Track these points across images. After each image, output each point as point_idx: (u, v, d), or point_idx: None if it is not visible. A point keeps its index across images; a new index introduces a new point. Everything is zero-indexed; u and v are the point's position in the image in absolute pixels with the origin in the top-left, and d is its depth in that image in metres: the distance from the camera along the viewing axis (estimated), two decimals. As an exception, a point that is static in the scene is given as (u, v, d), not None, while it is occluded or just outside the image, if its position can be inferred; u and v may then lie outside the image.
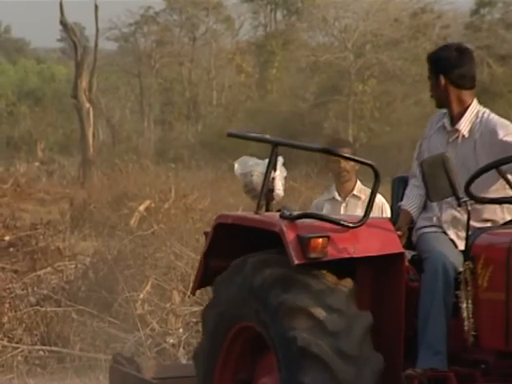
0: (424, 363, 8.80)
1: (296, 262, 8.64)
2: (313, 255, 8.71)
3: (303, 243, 8.76)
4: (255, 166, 9.94)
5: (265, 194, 9.55)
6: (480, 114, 9.18)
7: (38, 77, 71.90)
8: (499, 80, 54.48)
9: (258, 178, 9.86)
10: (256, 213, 9.38)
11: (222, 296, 9.64)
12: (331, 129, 54.66)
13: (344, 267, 9.02)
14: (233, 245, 9.57)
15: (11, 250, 21.42)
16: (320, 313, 8.74)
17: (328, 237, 8.73)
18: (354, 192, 11.09)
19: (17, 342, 15.89)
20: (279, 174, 9.83)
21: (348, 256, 8.79)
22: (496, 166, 8.58)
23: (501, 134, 9.00)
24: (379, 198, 10.96)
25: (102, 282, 18.18)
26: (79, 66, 45.12)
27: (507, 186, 8.74)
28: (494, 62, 56.93)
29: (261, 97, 61.09)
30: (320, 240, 8.71)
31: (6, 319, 16.69)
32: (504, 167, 8.61)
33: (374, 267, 9.20)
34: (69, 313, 16.52)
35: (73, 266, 19.51)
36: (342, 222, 8.85)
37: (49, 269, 20.11)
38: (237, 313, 9.42)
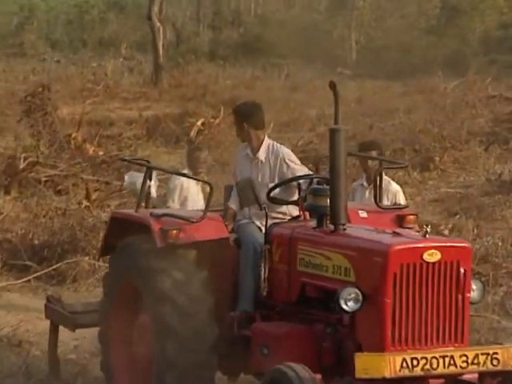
0: (240, 308, 9.65)
1: (159, 245, 9.49)
2: (170, 241, 9.51)
3: (164, 233, 9.53)
4: (138, 178, 10.81)
5: (144, 196, 10.57)
6: (271, 146, 10.20)
7: (122, -11, 70.69)
8: (463, -1, 53.47)
9: (139, 186, 10.47)
10: (136, 211, 10.16)
11: (114, 264, 10.42)
12: (339, 35, 53.76)
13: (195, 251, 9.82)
14: (124, 228, 10.10)
15: (103, 165, 21.13)
16: (178, 297, 9.47)
17: (180, 229, 9.57)
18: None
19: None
20: (153, 184, 10.95)
21: (193, 240, 9.67)
22: (286, 183, 9.93)
23: (286, 160, 10.04)
24: (395, 188, 11.37)
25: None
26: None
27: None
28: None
29: (286, 9, 60.33)
30: (174, 231, 9.54)
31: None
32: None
33: (212, 249, 9.75)
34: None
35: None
36: (188, 219, 9.73)
37: None
38: (125, 278, 10.03)
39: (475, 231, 16.48)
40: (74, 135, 21.47)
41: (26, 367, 11.37)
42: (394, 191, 11.23)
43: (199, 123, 24.42)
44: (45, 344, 11.85)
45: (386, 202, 10.79)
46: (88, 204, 17.58)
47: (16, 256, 15.85)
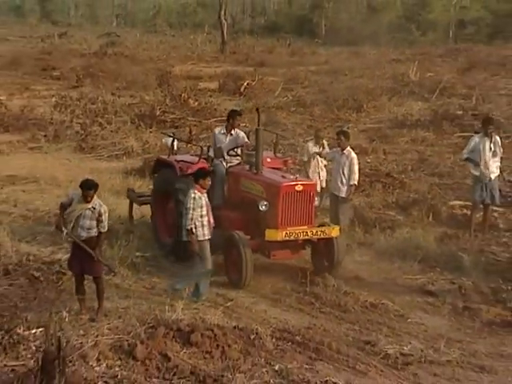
0: (214, 202, 9.09)
1: (178, 174, 9.27)
2: (184, 173, 9.19)
3: (180, 169, 9.32)
4: (169, 140, 10.29)
5: (172, 149, 10.01)
6: (236, 130, 9.74)
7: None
8: None
9: (169, 144, 10.16)
10: (168, 157, 9.87)
11: (157, 180, 10.09)
12: (315, 21, 50.67)
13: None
14: (162, 164, 9.86)
15: (198, 112, 19.11)
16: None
17: (187, 166, 9.29)
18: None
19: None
20: (176, 143, 10.16)
21: (192, 171, 9.03)
22: (237, 147, 9.57)
23: (241, 136, 9.67)
24: (353, 155, 9.92)
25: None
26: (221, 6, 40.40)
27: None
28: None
29: (288, 6, 57.96)
30: (185, 168, 9.29)
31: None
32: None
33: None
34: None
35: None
36: (191, 162, 9.42)
37: (212, 120, 18.21)
38: (163, 188, 9.69)
39: (383, 155, 14.68)
40: (183, 95, 19.69)
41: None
42: (352, 157, 9.84)
43: (245, 84, 23.48)
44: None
45: (347, 163, 9.82)
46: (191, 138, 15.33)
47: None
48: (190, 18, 60.89)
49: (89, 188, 7.17)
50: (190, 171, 9.32)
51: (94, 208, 7.23)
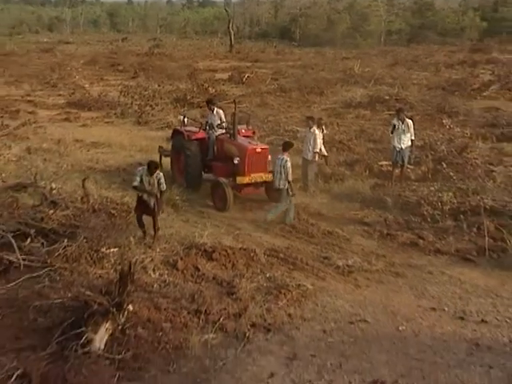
0: (209, 156, 9.08)
1: (186, 139, 9.04)
2: (190, 138, 9.01)
3: (187, 135, 9.04)
4: (181, 117, 9.70)
5: (183, 122, 9.49)
6: (218, 110, 9.42)
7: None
8: None
9: (182, 119, 9.62)
10: (180, 127, 9.46)
11: (174, 142, 9.53)
12: (293, 29, 48.15)
13: (197, 141, 9.06)
14: (177, 132, 9.41)
15: (215, 96, 16.24)
16: (190, 152, 8.89)
17: (192, 134, 9.01)
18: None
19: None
20: (186, 119, 9.58)
21: (196, 138, 9.00)
22: (223, 123, 9.13)
23: (221, 115, 9.38)
24: (318, 133, 9.16)
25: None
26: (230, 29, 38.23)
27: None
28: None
29: (274, 18, 55.06)
30: (191, 134, 9.03)
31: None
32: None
33: (201, 140, 9.14)
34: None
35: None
36: (195, 132, 9.04)
37: (224, 102, 15.26)
38: (177, 147, 9.30)
39: (337, 127, 13.60)
40: (204, 84, 18.49)
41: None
42: (315, 134, 9.17)
43: (246, 76, 22.50)
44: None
45: (312, 137, 9.11)
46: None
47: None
48: (209, 27, 58.54)
49: (155, 167, 7.11)
50: (193, 137, 9.15)
51: (156, 177, 7.13)
